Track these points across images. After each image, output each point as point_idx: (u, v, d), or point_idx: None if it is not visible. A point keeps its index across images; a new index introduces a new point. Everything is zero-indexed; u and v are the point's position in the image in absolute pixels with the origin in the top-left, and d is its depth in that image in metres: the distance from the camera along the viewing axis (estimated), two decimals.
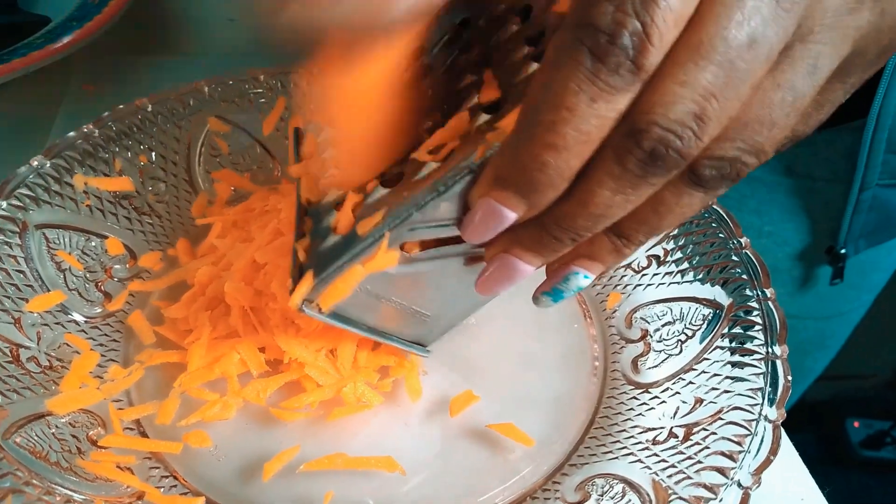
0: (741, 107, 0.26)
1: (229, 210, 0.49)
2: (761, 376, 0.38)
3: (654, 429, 0.40)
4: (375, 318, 0.38)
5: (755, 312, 0.41)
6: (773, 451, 0.35)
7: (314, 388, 0.40)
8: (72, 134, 0.47)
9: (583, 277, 0.32)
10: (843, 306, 0.80)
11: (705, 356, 0.41)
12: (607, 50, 0.24)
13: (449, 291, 0.37)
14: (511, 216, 0.29)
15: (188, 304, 0.43)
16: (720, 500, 0.33)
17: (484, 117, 0.32)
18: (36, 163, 0.45)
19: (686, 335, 0.43)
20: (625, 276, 0.48)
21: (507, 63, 0.34)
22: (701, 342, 0.42)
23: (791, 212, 0.70)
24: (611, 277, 0.49)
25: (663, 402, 0.41)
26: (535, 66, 0.32)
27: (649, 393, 0.42)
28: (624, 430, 0.40)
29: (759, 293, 0.42)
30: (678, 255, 0.47)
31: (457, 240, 0.33)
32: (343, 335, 0.40)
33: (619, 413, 0.42)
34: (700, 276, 0.45)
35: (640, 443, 0.39)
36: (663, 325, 0.45)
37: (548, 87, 0.26)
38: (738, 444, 0.36)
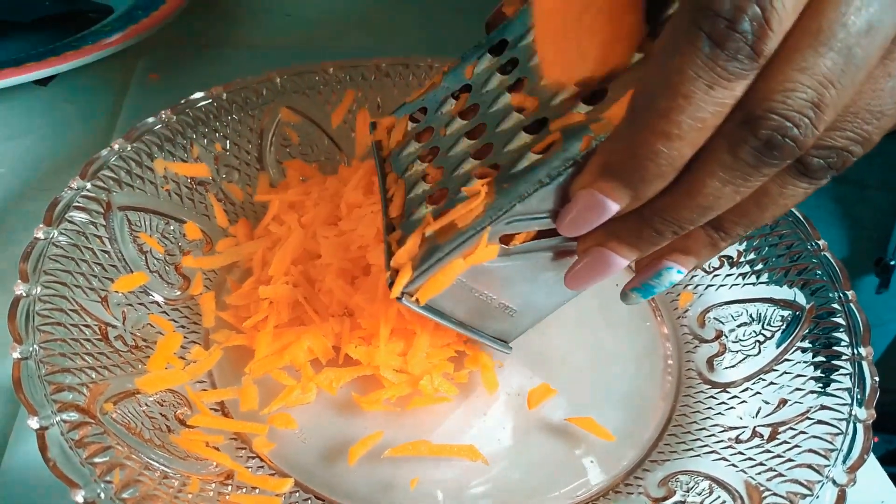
0: (853, 95, 0.25)
1: (287, 192, 0.49)
2: (848, 377, 0.38)
3: (735, 427, 0.40)
4: (465, 311, 0.38)
5: (838, 314, 0.41)
6: (866, 449, 0.35)
7: (391, 382, 0.40)
8: (151, 119, 0.48)
9: (676, 272, 0.32)
10: (884, 315, 0.79)
11: (786, 357, 0.41)
12: (726, 35, 0.24)
13: (536, 286, 0.37)
14: (613, 208, 0.29)
15: (250, 291, 0.43)
16: (816, 498, 0.33)
17: (585, 108, 0.32)
18: (117, 145, 0.45)
19: (764, 336, 0.43)
20: (696, 276, 0.48)
21: None
22: (780, 343, 0.42)
23: (837, 218, 0.70)
24: None
25: (743, 401, 0.41)
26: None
27: (727, 392, 0.42)
28: (704, 429, 0.40)
29: (841, 295, 0.42)
30: (752, 256, 0.47)
31: (550, 233, 0.33)
32: (424, 323, 0.40)
33: (697, 412, 0.42)
34: (776, 277, 0.45)
35: (721, 441, 0.39)
36: (738, 326, 0.45)
37: (663, 74, 0.25)
38: (830, 442, 0.36)
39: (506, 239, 0.34)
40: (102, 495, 0.30)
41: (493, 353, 0.42)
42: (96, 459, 0.31)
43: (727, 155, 0.26)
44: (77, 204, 0.42)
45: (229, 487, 0.35)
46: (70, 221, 0.41)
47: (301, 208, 0.47)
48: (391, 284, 0.34)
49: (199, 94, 0.50)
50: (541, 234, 0.34)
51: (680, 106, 0.25)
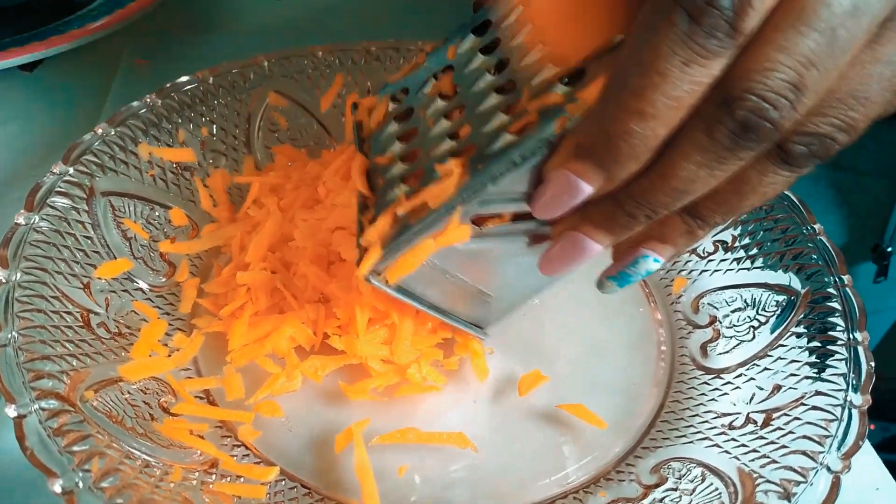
0: (837, 80, 0.25)
1: (269, 175, 0.48)
2: (844, 362, 0.38)
3: (728, 414, 0.39)
4: (438, 295, 0.37)
5: (833, 299, 0.41)
6: (861, 436, 0.34)
7: (378, 372, 0.40)
8: (135, 103, 0.47)
9: (652, 261, 0.30)
10: (880, 304, 0.79)
11: (781, 342, 0.41)
12: (704, 11, 0.23)
13: (512, 271, 0.36)
14: (586, 190, 0.28)
15: (229, 278, 0.42)
16: (810, 485, 0.33)
17: (563, 88, 0.30)
18: (101, 130, 0.45)
19: (759, 321, 0.43)
20: (689, 261, 0.48)
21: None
22: (775, 329, 0.42)
23: (834, 205, 0.69)
24: (675, 263, 0.48)
25: (737, 387, 0.40)
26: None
27: (721, 378, 0.41)
28: (697, 415, 0.40)
29: (837, 279, 0.41)
30: (747, 240, 0.46)
31: (526, 216, 0.32)
32: (403, 309, 0.39)
33: (690, 398, 0.41)
34: (771, 262, 0.44)
35: (714, 427, 0.39)
36: (733, 312, 0.44)
37: (639, 50, 0.24)
38: (825, 429, 0.35)
39: (479, 221, 0.33)
40: (81, 484, 0.29)
41: (484, 339, 0.42)
42: (75, 448, 0.31)
43: (703, 136, 0.25)
44: (59, 189, 0.41)
45: (213, 476, 0.34)
46: (52, 207, 0.40)
47: (282, 192, 0.46)
48: (359, 263, 0.34)
49: (184, 78, 0.49)
50: (516, 218, 0.33)
51: (654, 83, 0.24)
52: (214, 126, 0.50)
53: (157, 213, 0.45)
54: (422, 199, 0.32)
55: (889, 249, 0.74)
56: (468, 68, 0.35)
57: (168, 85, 0.49)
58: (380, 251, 0.33)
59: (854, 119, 0.25)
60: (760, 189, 0.27)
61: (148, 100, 0.47)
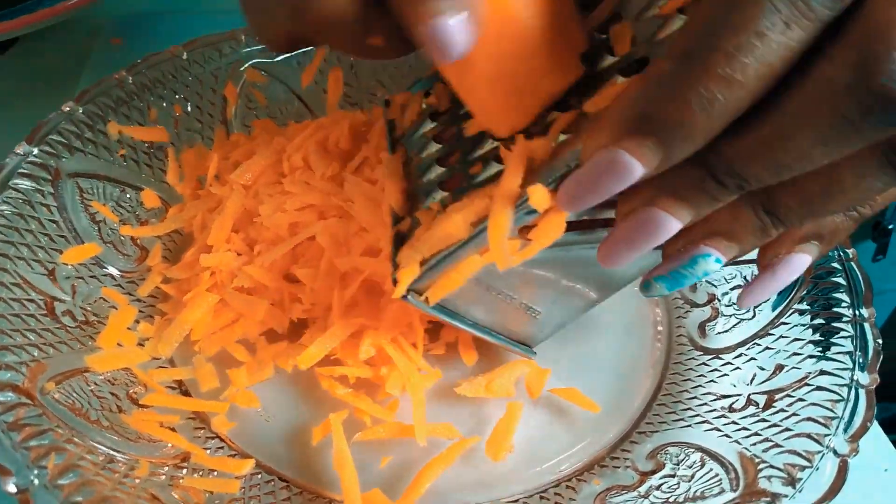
0: None
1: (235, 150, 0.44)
2: (850, 340, 0.36)
3: (728, 396, 0.37)
4: (483, 313, 0.34)
5: (838, 274, 0.39)
6: (869, 417, 0.33)
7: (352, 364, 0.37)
8: (105, 80, 0.45)
9: (713, 261, 0.26)
10: (883, 285, 0.77)
11: (783, 320, 0.39)
12: None
13: (562, 286, 0.34)
14: (637, 172, 0.23)
15: (193, 262, 0.40)
16: (816, 470, 0.31)
17: (621, 80, 0.27)
18: (68, 108, 0.43)
19: None
20: None
21: (644, 14, 0.27)
22: (777, 306, 0.40)
23: None
24: None
25: (737, 368, 0.38)
26: (680, 18, 0.25)
27: (720, 359, 0.39)
28: (695, 398, 0.38)
29: (841, 253, 0.39)
30: None
31: (576, 225, 0.29)
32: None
33: (688, 379, 0.39)
34: None
35: (713, 410, 0.37)
36: (732, 289, 0.42)
37: (731, 4, 0.20)
38: (831, 410, 0.33)
39: (526, 231, 0.28)
40: (36, 482, 0.28)
41: (533, 358, 0.39)
42: (31, 443, 0.29)
43: (825, 106, 0.20)
44: (22, 170, 0.39)
45: (184, 471, 0.32)
46: (14, 189, 0.38)
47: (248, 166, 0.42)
48: (395, 281, 0.30)
49: (157, 54, 0.47)
50: (568, 227, 0.28)
51: (751, 45, 0.20)
52: (189, 104, 0.47)
53: (128, 195, 0.43)
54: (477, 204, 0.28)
55: (890, 227, 0.72)
56: None
57: (139, 61, 0.47)
58: (418, 268, 0.30)
59: None
60: (852, 194, 0.23)
61: (118, 76, 0.45)
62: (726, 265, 0.27)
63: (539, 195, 0.26)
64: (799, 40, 0.20)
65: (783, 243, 0.28)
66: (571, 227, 0.28)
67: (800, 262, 0.28)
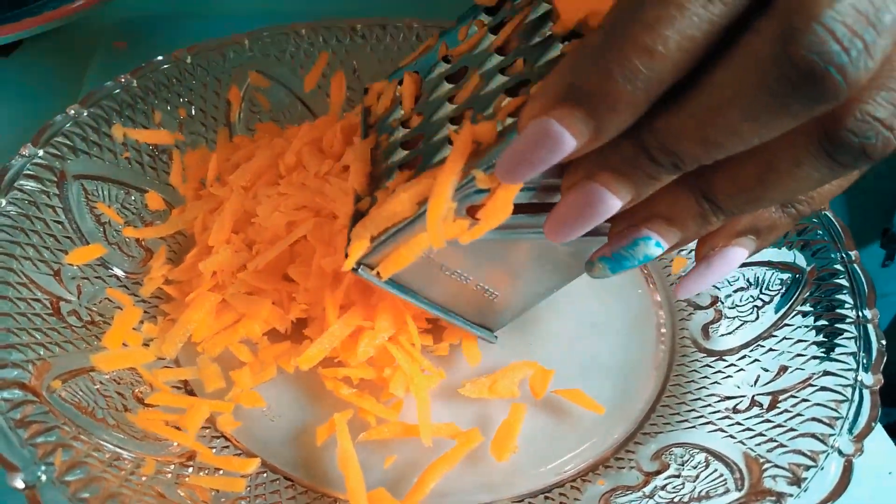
0: None
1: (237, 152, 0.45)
2: (853, 341, 0.36)
3: (732, 397, 0.37)
4: (439, 293, 0.35)
5: (841, 275, 0.39)
6: (873, 417, 0.33)
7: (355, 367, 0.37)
8: (109, 83, 0.45)
9: (654, 245, 0.26)
10: (887, 288, 0.77)
11: (786, 322, 0.39)
12: None
13: (520, 269, 0.34)
14: (569, 144, 0.23)
15: (194, 264, 0.40)
16: (821, 469, 0.31)
17: (561, 48, 0.28)
18: (73, 111, 0.43)
19: (762, 301, 0.41)
20: None
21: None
22: (780, 308, 0.40)
23: None
24: None
25: (741, 369, 0.38)
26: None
27: (724, 361, 0.39)
28: (699, 399, 0.38)
29: (844, 255, 0.40)
30: None
31: (529, 207, 0.29)
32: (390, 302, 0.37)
33: (692, 381, 0.39)
34: None
35: (718, 411, 0.37)
36: (735, 291, 0.42)
37: None
38: (835, 410, 0.33)
39: (475, 211, 0.29)
40: (44, 478, 0.28)
41: (493, 342, 0.39)
42: (39, 440, 0.29)
43: (752, 76, 0.20)
44: (27, 172, 0.39)
45: (190, 469, 0.32)
46: (20, 190, 0.38)
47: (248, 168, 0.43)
48: (347, 255, 0.31)
49: (161, 58, 0.47)
50: (518, 209, 0.29)
51: (671, 17, 0.20)
52: (193, 108, 0.48)
53: (132, 198, 0.43)
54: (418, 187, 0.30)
55: None
56: (477, 49, 0.33)
57: (144, 65, 0.47)
58: (368, 242, 0.31)
59: None
60: (788, 182, 0.23)
61: (122, 80, 0.46)
62: (668, 251, 0.27)
63: (480, 174, 0.27)
64: (720, 14, 0.20)
65: (720, 236, 0.29)
66: (522, 209, 0.29)
67: (735, 255, 0.29)
